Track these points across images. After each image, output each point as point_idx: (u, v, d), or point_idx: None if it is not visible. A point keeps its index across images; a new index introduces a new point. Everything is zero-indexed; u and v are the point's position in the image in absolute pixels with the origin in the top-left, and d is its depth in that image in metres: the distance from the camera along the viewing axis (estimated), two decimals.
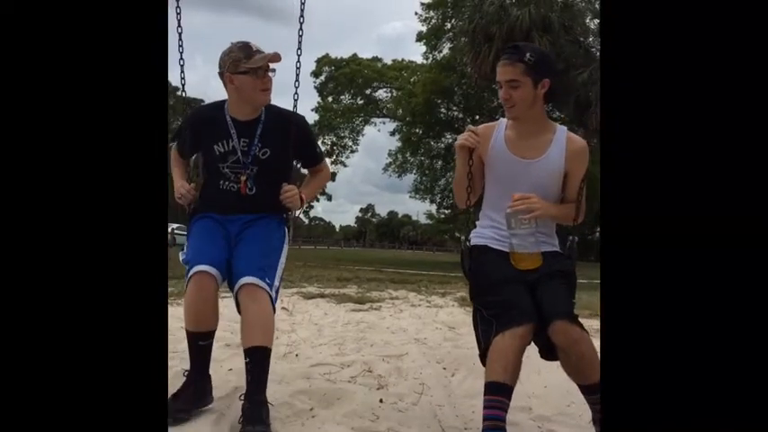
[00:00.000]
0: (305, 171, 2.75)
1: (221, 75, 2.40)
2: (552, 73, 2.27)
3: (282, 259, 2.43)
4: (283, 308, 6.02)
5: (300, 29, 2.48)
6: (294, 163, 2.61)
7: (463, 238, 2.37)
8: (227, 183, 2.46)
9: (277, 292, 2.34)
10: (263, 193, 2.44)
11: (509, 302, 2.04)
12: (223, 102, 2.50)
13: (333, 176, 61.52)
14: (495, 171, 2.30)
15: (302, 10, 2.47)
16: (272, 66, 2.39)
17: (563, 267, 2.20)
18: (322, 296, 7.25)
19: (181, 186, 2.54)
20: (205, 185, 2.53)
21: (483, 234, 2.33)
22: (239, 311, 2.28)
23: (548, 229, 2.30)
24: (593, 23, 23.09)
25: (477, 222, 2.41)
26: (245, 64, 2.33)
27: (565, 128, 2.31)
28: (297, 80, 2.50)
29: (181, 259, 2.41)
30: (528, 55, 2.19)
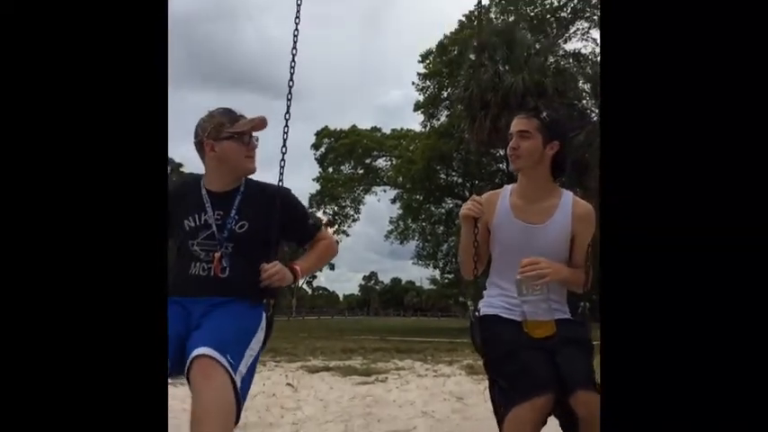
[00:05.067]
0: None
1: (199, 143, 2.18)
2: (563, 138, 2.27)
3: (254, 344, 1.98)
4: (288, 384, 5.89)
5: (289, 93, 2.25)
6: (281, 242, 2.27)
7: (471, 308, 2.30)
8: (197, 264, 2.11)
9: (244, 382, 1.85)
10: (239, 274, 2.09)
11: (527, 371, 1.96)
12: (198, 175, 2.27)
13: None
14: (501, 238, 2.27)
15: (292, 74, 2.28)
16: (255, 134, 2.21)
17: (578, 335, 2.13)
18: (327, 369, 7.11)
19: None
20: (175, 270, 2.17)
21: (492, 303, 2.26)
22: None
23: (559, 295, 2.24)
24: (586, 86, 23.62)
25: (484, 292, 2.34)
26: (228, 129, 2.14)
27: (570, 192, 2.29)
28: (284, 145, 2.21)
29: None
30: (545, 114, 2.25)
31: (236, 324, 1.97)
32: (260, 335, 2.04)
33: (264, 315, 2.11)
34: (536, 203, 2.24)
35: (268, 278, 2.05)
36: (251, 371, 1.93)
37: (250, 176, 2.24)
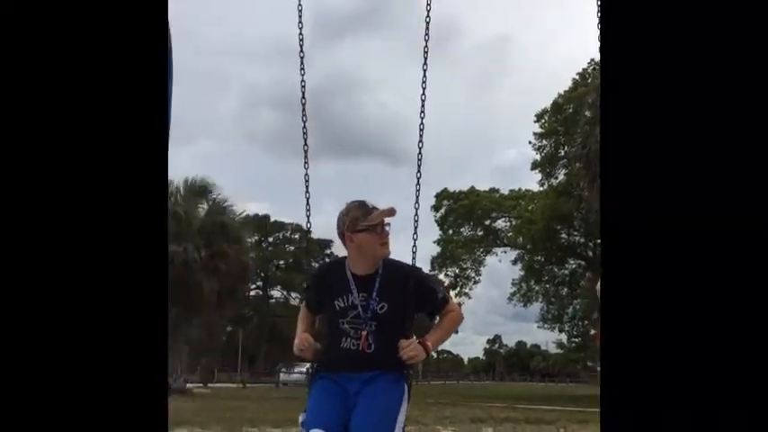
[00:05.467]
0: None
1: (341, 235, 2.48)
2: None
3: (401, 416, 2.36)
4: None
5: (418, 171, 2.52)
6: (415, 316, 2.55)
7: None
8: (347, 339, 2.45)
9: None
10: (382, 349, 2.40)
11: None
12: (344, 258, 2.57)
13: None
14: None
15: (419, 159, 2.52)
16: (387, 220, 2.45)
17: None
18: None
19: (303, 340, 2.54)
20: (327, 343, 2.54)
21: None
22: None
23: None
24: None
25: None
26: (362, 222, 2.41)
27: None
28: (416, 214, 2.50)
29: (300, 420, 2.44)
30: None
31: (387, 400, 2.35)
32: (404, 405, 2.39)
33: (406, 386, 2.44)
34: None
35: (405, 350, 2.36)
36: None
37: (390, 258, 2.52)
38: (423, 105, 2.47)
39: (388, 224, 2.47)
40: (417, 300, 2.48)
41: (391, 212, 2.46)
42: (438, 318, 2.61)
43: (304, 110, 2.75)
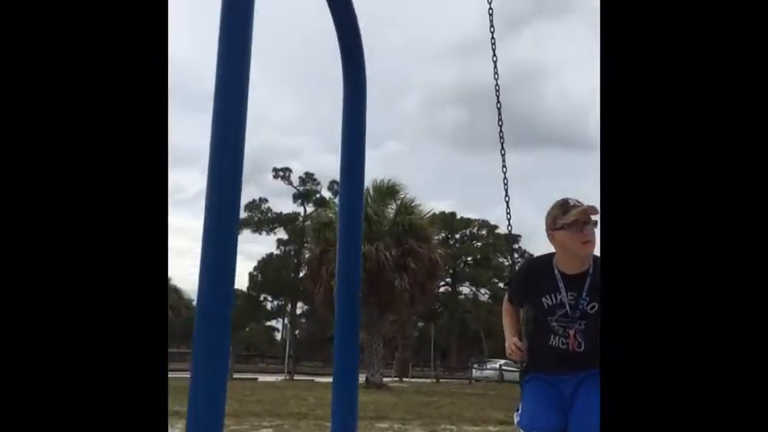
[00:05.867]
0: None
1: (547, 233, 2.51)
2: None
3: None
4: None
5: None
6: None
7: None
8: (555, 338, 2.47)
9: None
10: (593, 348, 2.34)
11: None
12: (552, 255, 2.58)
13: None
14: None
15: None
16: (593, 218, 2.41)
17: None
18: None
19: (512, 343, 2.56)
20: (534, 340, 2.56)
21: None
22: None
23: None
24: None
25: None
26: (561, 220, 2.42)
27: None
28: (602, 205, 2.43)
29: (515, 422, 2.46)
30: None
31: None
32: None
33: None
34: None
35: None
36: None
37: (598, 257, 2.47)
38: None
39: (596, 222, 2.40)
40: None
41: (589, 211, 2.39)
42: None
43: (500, 114, 2.84)
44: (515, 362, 2.63)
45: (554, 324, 2.46)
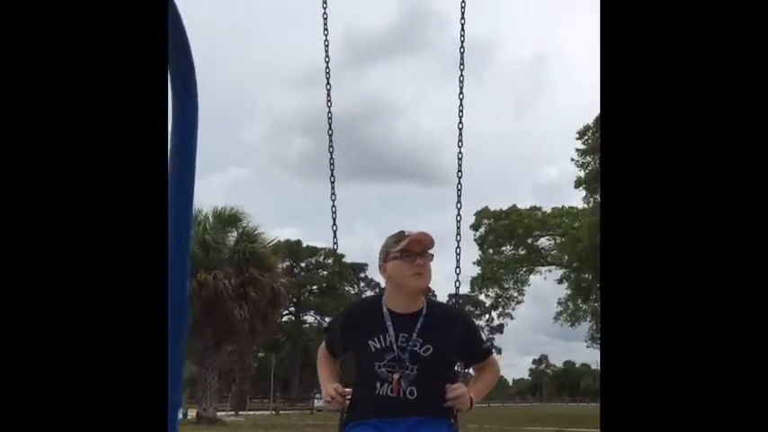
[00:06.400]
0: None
1: (380, 267, 2.32)
2: None
3: None
4: None
5: (459, 183, 2.44)
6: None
7: None
8: (384, 385, 2.18)
9: None
10: (426, 395, 2.15)
11: None
12: (380, 295, 2.37)
13: (500, 329, 60.24)
14: None
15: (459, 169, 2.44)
16: (430, 251, 2.24)
17: None
18: None
19: (331, 388, 2.27)
20: (359, 390, 2.27)
21: None
22: None
23: None
24: None
25: None
26: (392, 249, 2.23)
27: None
28: (458, 233, 2.45)
29: None
30: None
31: None
32: None
33: None
34: None
35: (454, 398, 2.14)
36: None
37: (432, 298, 2.35)
38: (461, 118, 2.40)
39: (431, 255, 2.26)
40: (463, 346, 2.32)
41: (422, 236, 2.22)
42: (475, 370, 2.44)
43: (331, 141, 2.85)
44: (337, 410, 2.33)
45: (382, 369, 2.18)
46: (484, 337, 2.55)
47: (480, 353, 2.40)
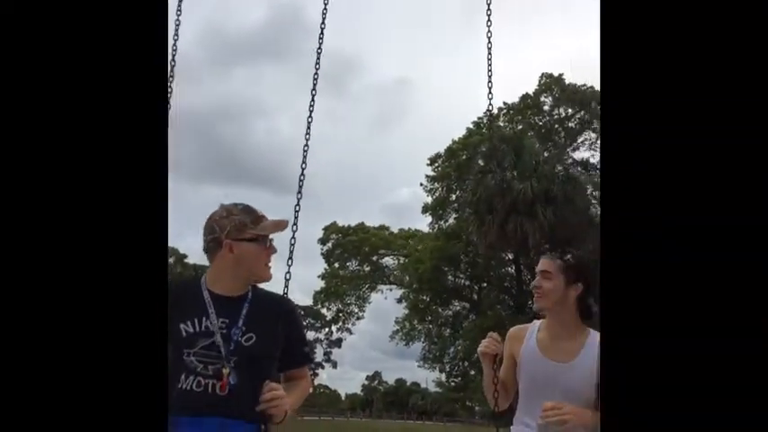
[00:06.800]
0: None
1: (215, 241, 1.93)
2: (587, 280, 2.25)
3: None
4: None
5: (299, 193, 2.15)
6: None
7: None
8: (192, 378, 1.84)
9: None
10: (242, 393, 1.82)
11: None
12: (200, 276, 2.03)
13: (339, 343, 60.75)
14: (526, 373, 2.27)
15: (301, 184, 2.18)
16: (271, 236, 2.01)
17: None
18: None
19: None
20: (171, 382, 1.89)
21: None
22: None
23: None
24: (595, 194, 23.78)
25: (512, 427, 2.30)
26: (251, 230, 1.92)
27: (597, 333, 2.24)
28: (292, 237, 2.03)
29: None
30: (569, 256, 2.28)
31: None
32: None
33: None
34: (562, 342, 2.24)
35: (271, 399, 1.79)
36: None
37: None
38: (308, 128, 2.27)
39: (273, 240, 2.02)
40: (285, 338, 1.97)
41: (284, 223, 1.99)
42: (285, 378, 2.07)
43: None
44: None
45: (191, 359, 1.83)
46: (308, 342, 2.18)
47: (299, 356, 2.08)
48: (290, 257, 2.00)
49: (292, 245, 2.01)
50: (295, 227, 2.01)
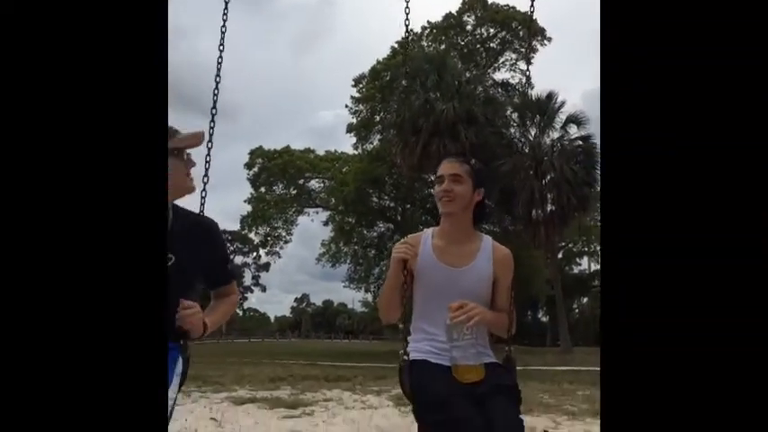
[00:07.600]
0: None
1: None
2: (488, 186, 2.35)
3: (170, 394, 1.80)
4: (212, 418, 5.75)
5: (214, 107, 2.14)
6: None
7: (401, 352, 2.21)
8: None
9: None
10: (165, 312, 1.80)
11: (458, 421, 1.95)
12: None
13: (267, 267, 60.69)
14: (424, 281, 2.27)
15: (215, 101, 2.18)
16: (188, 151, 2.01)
17: (507, 381, 2.15)
18: (253, 401, 6.98)
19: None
20: None
21: (419, 348, 2.23)
22: None
23: (484, 339, 2.26)
24: (514, 116, 24.38)
25: (409, 337, 2.29)
26: (170, 141, 1.91)
27: (489, 237, 2.36)
28: (207, 154, 2.04)
29: None
30: (474, 161, 2.34)
31: None
32: (175, 381, 1.84)
33: (181, 359, 1.89)
34: (458, 247, 2.28)
35: (184, 316, 1.85)
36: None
37: (176, 203, 2.04)
38: (222, 41, 2.23)
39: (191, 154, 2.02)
40: (207, 261, 2.03)
41: (200, 136, 1.97)
42: (214, 296, 2.16)
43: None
44: None
45: None
46: (230, 261, 2.19)
47: (224, 275, 2.16)
48: (206, 174, 1.98)
49: (207, 162, 1.99)
50: (210, 143, 2.01)
